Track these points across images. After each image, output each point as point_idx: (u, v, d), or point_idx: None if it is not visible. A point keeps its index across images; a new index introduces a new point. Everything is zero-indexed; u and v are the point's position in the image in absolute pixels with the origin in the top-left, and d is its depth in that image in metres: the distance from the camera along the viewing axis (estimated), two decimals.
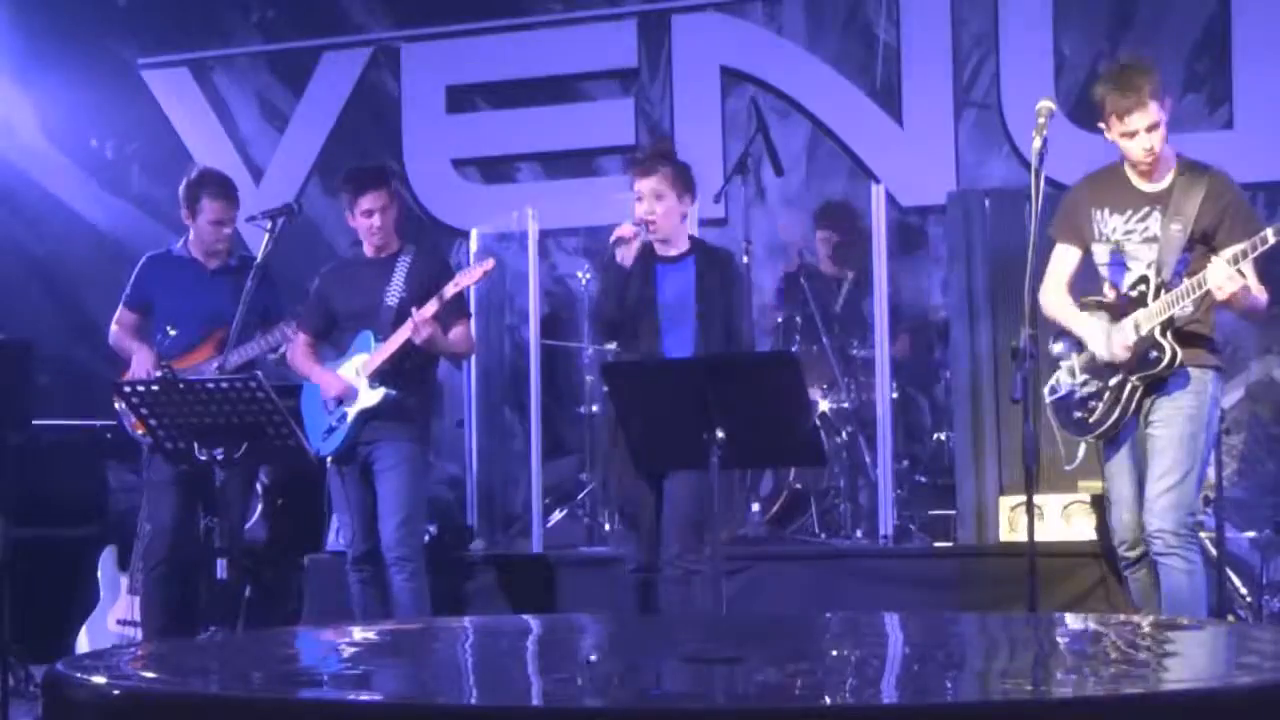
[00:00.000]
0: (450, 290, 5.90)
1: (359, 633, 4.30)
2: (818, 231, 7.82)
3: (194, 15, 9.03)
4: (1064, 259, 5.35)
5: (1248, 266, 5.01)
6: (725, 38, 8.24)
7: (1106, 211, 5.22)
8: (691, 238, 5.73)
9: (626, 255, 5.53)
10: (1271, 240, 4.84)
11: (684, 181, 5.63)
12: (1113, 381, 5.17)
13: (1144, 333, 5.08)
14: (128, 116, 9.07)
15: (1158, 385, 5.13)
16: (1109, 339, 5.16)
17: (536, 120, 8.43)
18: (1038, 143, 5.14)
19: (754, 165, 7.51)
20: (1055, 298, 5.33)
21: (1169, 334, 5.06)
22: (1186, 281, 5.02)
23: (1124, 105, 5.06)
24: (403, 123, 8.70)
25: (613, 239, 5.57)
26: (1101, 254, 5.24)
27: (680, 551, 5.48)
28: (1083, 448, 5.35)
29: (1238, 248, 4.92)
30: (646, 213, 5.54)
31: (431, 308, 5.86)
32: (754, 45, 8.20)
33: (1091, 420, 5.22)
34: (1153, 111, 5.05)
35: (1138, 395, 5.14)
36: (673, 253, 5.64)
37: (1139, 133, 5.08)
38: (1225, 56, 7.50)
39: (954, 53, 7.89)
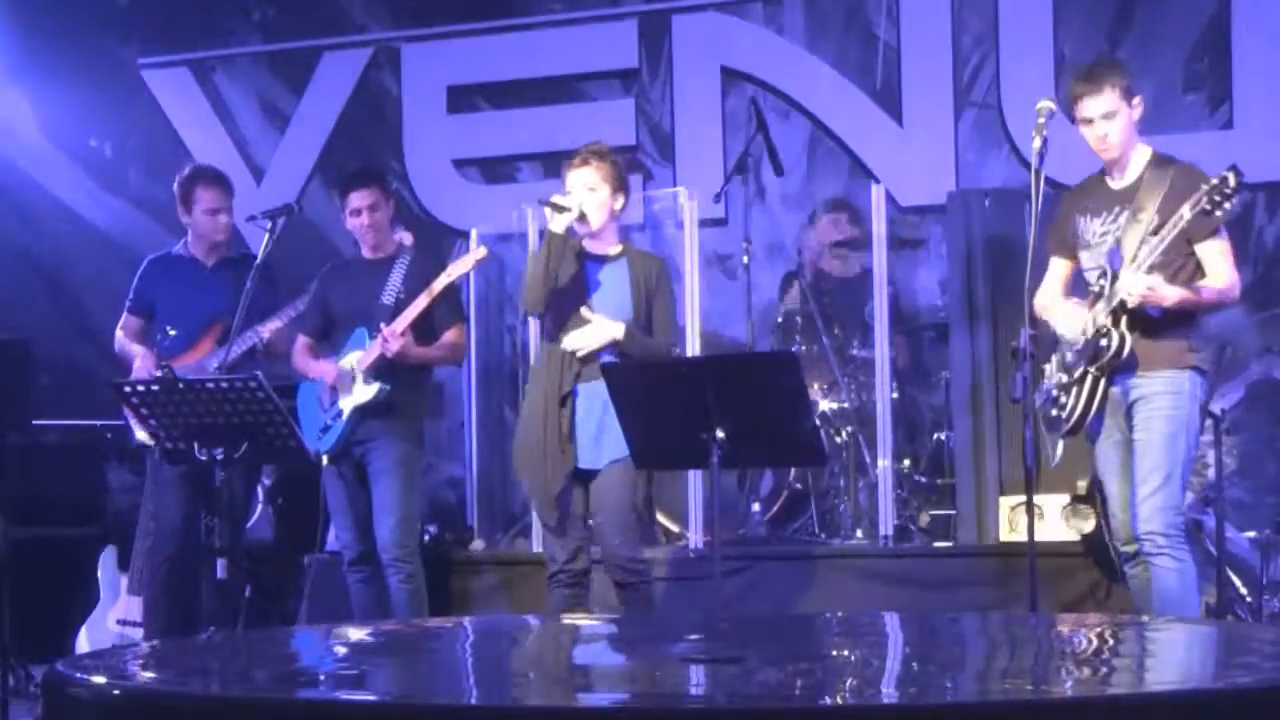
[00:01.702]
0: (442, 281, 5.88)
1: (358, 633, 4.31)
2: (826, 215, 7.77)
3: (194, 15, 9.02)
4: (1055, 271, 5.45)
5: (1213, 257, 5.03)
6: (725, 38, 8.23)
7: (1089, 218, 5.30)
8: (624, 244, 5.67)
9: (558, 223, 5.46)
10: (1187, 216, 4.85)
11: (617, 178, 5.55)
12: (1077, 374, 5.22)
13: (1099, 322, 5.12)
14: (128, 116, 9.06)
15: (1130, 385, 5.15)
16: (1072, 318, 5.26)
17: (537, 120, 8.42)
18: (1038, 143, 5.18)
19: (754, 165, 7.51)
20: (1043, 298, 5.40)
21: (1123, 322, 5.08)
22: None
23: (1080, 90, 5.21)
24: (403, 123, 8.69)
25: (550, 201, 5.49)
26: (1088, 260, 5.29)
27: (615, 550, 5.41)
28: (1061, 445, 5.39)
29: (1147, 250, 4.96)
30: (580, 203, 5.48)
31: (403, 322, 5.85)
32: (754, 45, 8.19)
33: (1064, 416, 5.27)
34: (1107, 100, 5.16)
35: (1100, 386, 5.18)
36: (603, 251, 5.58)
37: (1094, 120, 5.18)
38: (1225, 56, 7.49)
39: (954, 53, 7.88)
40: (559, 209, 5.47)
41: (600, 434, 5.40)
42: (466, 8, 8.62)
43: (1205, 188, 4.84)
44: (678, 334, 5.66)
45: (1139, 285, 4.95)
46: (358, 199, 6.11)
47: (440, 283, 5.89)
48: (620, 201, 5.58)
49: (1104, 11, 7.71)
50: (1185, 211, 4.88)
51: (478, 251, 6.00)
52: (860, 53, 8.06)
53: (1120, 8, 7.69)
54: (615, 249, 5.61)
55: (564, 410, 5.42)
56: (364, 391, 5.93)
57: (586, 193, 5.50)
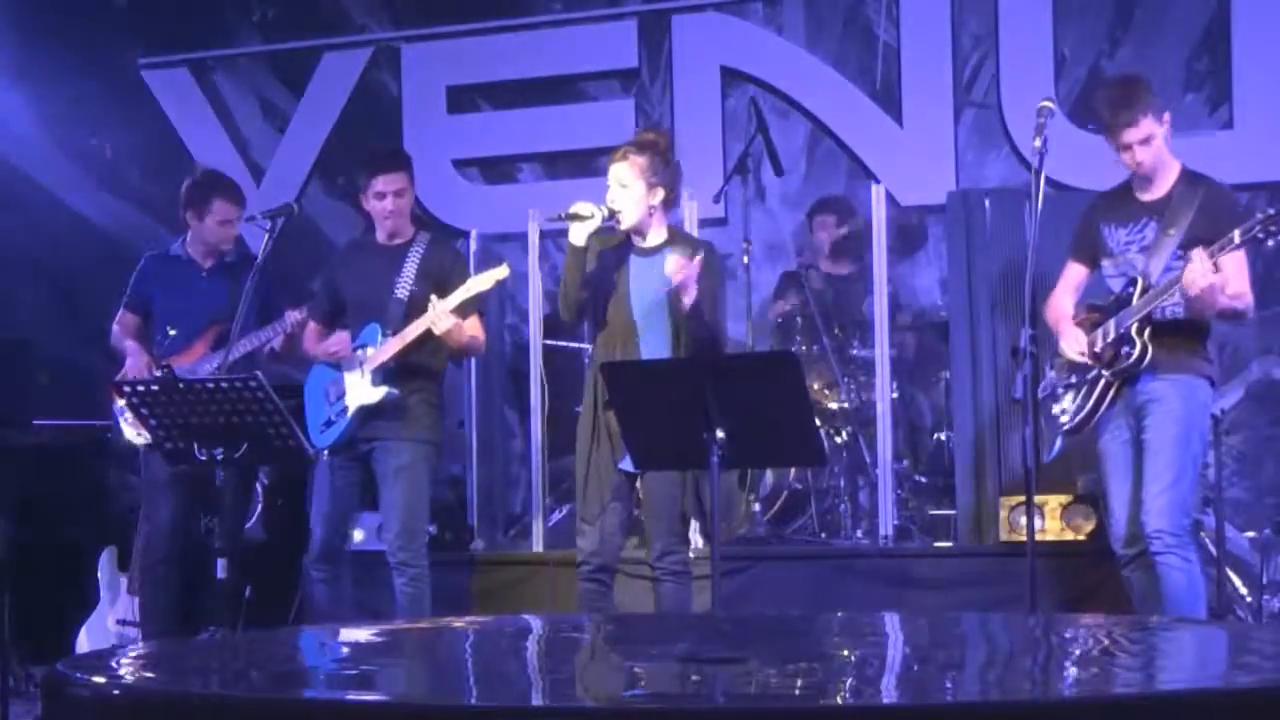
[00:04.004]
0: (460, 295, 5.80)
1: (359, 633, 4.30)
2: (816, 217, 7.79)
3: (194, 15, 9.03)
4: (1069, 275, 5.52)
5: (1235, 271, 5.09)
6: (725, 38, 8.24)
7: (1114, 227, 5.37)
8: (670, 229, 5.58)
9: (579, 233, 5.44)
10: (1238, 240, 4.92)
11: (657, 172, 5.47)
12: (1089, 376, 5.29)
13: (1122, 330, 5.18)
14: (128, 116, 9.06)
15: (1143, 388, 5.22)
16: (1074, 341, 5.32)
17: (537, 120, 8.42)
18: (1038, 143, 5.21)
19: (754, 165, 7.51)
20: (1052, 303, 5.49)
21: (1146, 332, 5.16)
22: (1167, 279, 5.12)
23: (1117, 121, 5.23)
24: (403, 123, 8.69)
25: (567, 213, 5.46)
26: (1111, 268, 5.35)
27: (664, 551, 5.44)
28: (1059, 442, 5.43)
29: (1218, 244, 4.99)
30: (610, 200, 5.46)
31: (454, 301, 5.76)
32: (754, 45, 8.20)
33: (1066, 414, 5.34)
34: (1144, 127, 5.20)
35: (1111, 390, 5.25)
36: (647, 245, 5.53)
37: (1132, 146, 5.22)
38: (1225, 56, 7.50)
39: (954, 53, 7.89)
40: (576, 218, 5.45)
41: None
42: (466, 8, 8.62)
43: (1261, 217, 4.90)
44: (720, 318, 5.57)
45: (1209, 276, 4.96)
46: (385, 183, 6.02)
47: (458, 296, 5.80)
48: (659, 195, 5.48)
49: (1104, 11, 7.72)
50: (1236, 236, 4.92)
51: (499, 270, 5.90)
52: (860, 53, 8.07)
53: (1120, 8, 7.69)
54: (658, 241, 5.52)
55: (609, 413, 5.40)
56: (372, 393, 5.87)
57: (619, 189, 5.47)
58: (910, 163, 7.82)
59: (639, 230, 5.52)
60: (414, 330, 5.79)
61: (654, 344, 5.44)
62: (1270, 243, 4.92)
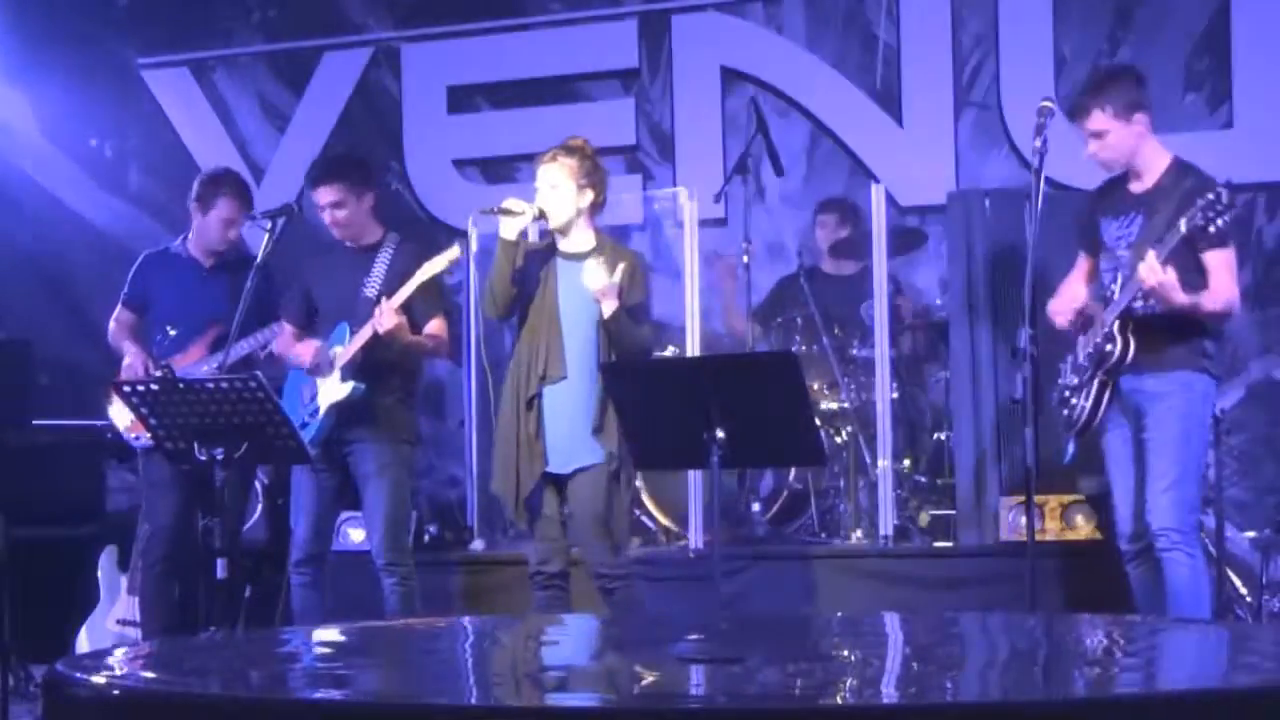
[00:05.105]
0: (417, 279, 5.74)
1: (357, 633, 4.30)
2: (819, 216, 7.78)
3: (194, 15, 9.02)
4: (1080, 266, 5.51)
5: (1217, 269, 5.08)
6: (725, 38, 8.24)
7: (1108, 220, 5.37)
8: (598, 235, 5.57)
9: (509, 228, 5.44)
10: (1184, 229, 4.90)
11: (586, 174, 5.49)
12: (1085, 377, 5.30)
13: (1106, 327, 5.18)
14: (128, 116, 9.06)
15: (1137, 384, 5.21)
16: (1065, 302, 5.40)
17: (537, 120, 8.41)
18: (1038, 143, 5.22)
19: (754, 165, 7.51)
20: (1061, 289, 5.50)
21: (1128, 328, 5.14)
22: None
23: (1076, 107, 5.29)
24: (403, 123, 8.69)
25: (499, 207, 5.47)
26: (1104, 261, 5.36)
27: (599, 562, 5.43)
28: (1073, 444, 5.44)
29: (1166, 238, 4.99)
30: (541, 202, 5.47)
31: (400, 297, 5.75)
32: (754, 45, 8.20)
33: (1073, 416, 5.35)
34: (1095, 119, 5.21)
35: (1108, 391, 5.25)
36: (575, 250, 5.52)
37: (1086, 137, 5.26)
38: (1225, 56, 7.50)
39: (954, 53, 7.89)
40: (508, 213, 5.45)
41: (567, 438, 5.39)
42: (466, 8, 8.62)
43: (1200, 202, 4.87)
44: (652, 327, 5.62)
45: (1156, 274, 4.96)
46: (321, 195, 5.98)
47: (415, 281, 5.77)
48: (589, 198, 5.51)
49: (1104, 11, 7.72)
50: (1182, 225, 4.90)
51: (450, 251, 5.88)
52: (860, 53, 8.07)
53: (1120, 8, 7.69)
54: (586, 246, 5.52)
55: (530, 413, 5.41)
56: (339, 389, 5.82)
57: (549, 190, 5.48)
58: (910, 163, 7.81)
59: (565, 231, 5.52)
60: (365, 333, 5.77)
61: (579, 347, 5.42)
62: (1211, 229, 4.87)
